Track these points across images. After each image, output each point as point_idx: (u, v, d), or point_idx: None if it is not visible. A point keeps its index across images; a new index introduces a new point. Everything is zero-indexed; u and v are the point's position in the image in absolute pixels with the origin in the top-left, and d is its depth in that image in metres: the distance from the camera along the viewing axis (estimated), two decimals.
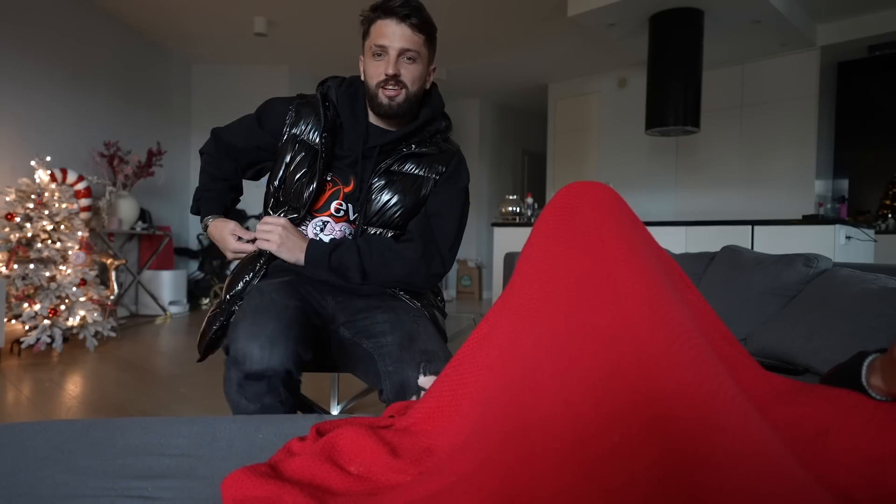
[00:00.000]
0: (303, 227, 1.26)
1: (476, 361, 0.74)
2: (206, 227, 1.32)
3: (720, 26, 4.30)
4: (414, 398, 1.05)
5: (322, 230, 1.26)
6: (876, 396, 0.68)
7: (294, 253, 1.19)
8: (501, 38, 5.23)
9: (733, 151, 5.27)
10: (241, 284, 1.23)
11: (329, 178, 1.26)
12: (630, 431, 0.53)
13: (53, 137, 4.26)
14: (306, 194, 1.23)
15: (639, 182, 5.83)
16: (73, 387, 2.72)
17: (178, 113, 5.83)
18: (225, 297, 1.24)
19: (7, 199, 3.41)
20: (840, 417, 0.66)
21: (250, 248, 1.24)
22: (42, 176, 3.49)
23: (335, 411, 2.22)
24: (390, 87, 1.19)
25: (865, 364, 0.70)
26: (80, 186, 3.91)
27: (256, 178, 1.45)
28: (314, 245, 1.20)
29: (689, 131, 4.34)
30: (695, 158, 5.50)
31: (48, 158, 3.61)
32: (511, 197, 5.28)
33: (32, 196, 3.43)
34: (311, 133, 1.26)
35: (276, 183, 1.27)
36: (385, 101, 1.20)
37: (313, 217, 1.26)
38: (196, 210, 1.37)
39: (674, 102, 4.17)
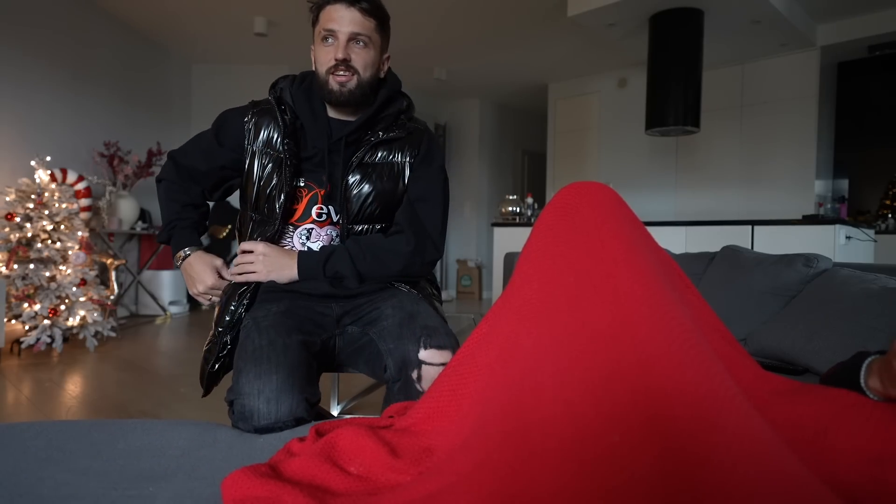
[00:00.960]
0: (287, 240, 1.23)
1: (476, 361, 0.74)
2: (183, 258, 1.26)
3: (720, 26, 4.30)
4: (415, 372, 1.05)
5: (308, 238, 1.23)
6: (873, 398, 0.69)
7: (284, 273, 1.17)
8: (501, 38, 5.23)
9: (733, 151, 5.27)
10: (227, 316, 1.18)
11: (303, 184, 1.21)
12: (630, 431, 0.53)
13: (53, 137, 4.26)
14: (278, 205, 1.18)
15: (639, 182, 5.83)
16: (73, 387, 2.72)
17: (178, 113, 5.83)
18: (216, 329, 1.19)
19: (7, 199, 3.41)
20: (839, 416, 0.66)
21: (227, 279, 1.24)
22: (42, 176, 3.48)
23: (335, 411, 2.22)
24: (341, 72, 1.15)
25: (864, 365, 0.70)
26: (80, 186, 3.91)
27: (224, 197, 1.38)
28: (304, 258, 1.18)
29: (689, 131, 4.34)
30: (695, 158, 5.50)
31: (48, 158, 3.61)
32: (511, 197, 5.28)
33: (32, 196, 3.43)
34: (274, 141, 1.21)
35: (252, 202, 1.23)
36: (336, 87, 1.16)
37: (297, 227, 1.22)
38: (166, 239, 1.29)
39: (674, 102, 4.17)
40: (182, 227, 1.28)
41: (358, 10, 1.14)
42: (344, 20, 1.13)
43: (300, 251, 1.19)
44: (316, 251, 1.20)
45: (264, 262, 1.16)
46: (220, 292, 1.24)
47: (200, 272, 1.23)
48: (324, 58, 1.16)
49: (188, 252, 1.26)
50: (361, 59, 1.16)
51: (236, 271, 1.19)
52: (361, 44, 1.16)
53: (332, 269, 1.17)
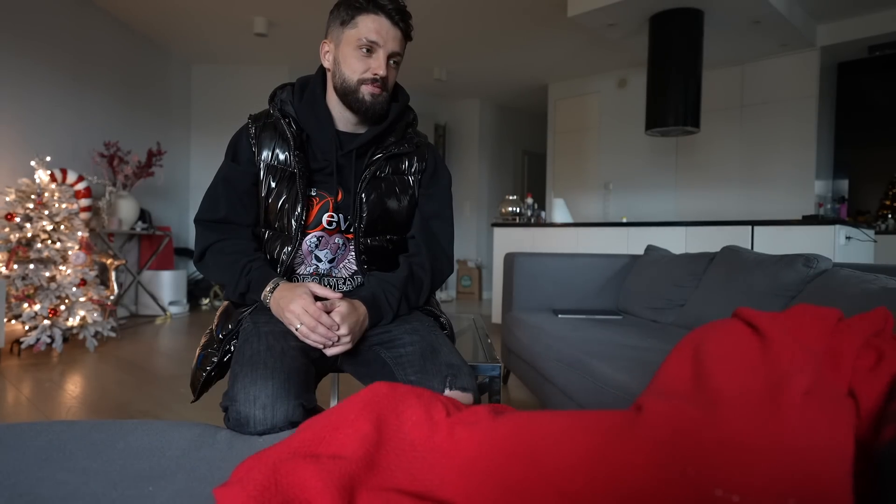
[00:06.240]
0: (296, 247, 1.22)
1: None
2: (272, 290, 1.12)
3: (720, 26, 4.30)
4: None
5: (317, 246, 1.22)
6: None
7: (363, 332, 1.15)
8: (501, 38, 5.24)
9: (733, 151, 5.28)
10: (232, 325, 1.16)
11: (314, 193, 1.20)
12: None
13: (53, 137, 4.26)
14: (294, 218, 1.17)
15: (639, 182, 5.83)
16: (73, 387, 2.72)
17: (178, 113, 5.83)
18: (218, 335, 1.17)
19: (7, 199, 3.41)
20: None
21: (331, 295, 1.10)
22: (42, 176, 3.49)
23: None
24: (377, 87, 1.14)
25: None
26: (80, 186, 3.91)
27: None
28: (374, 317, 1.16)
29: (689, 131, 4.34)
30: (695, 158, 5.50)
31: (48, 158, 3.62)
32: (511, 197, 5.29)
33: (32, 196, 3.43)
34: (281, 155, 1.19)
35: (262, 218, 1.22)
36: (368, 98, 1.14)
37: (306, 234, 1.21)
38: (245, 288, 1.14)
39: (674, 102, 4.17)
40: (256, 269, 1.15)
41: (401, 31, 1.14)
42: (388, 37, 1.12)
43: (368, 311, 1.14)
44: (372, 304, 1.15)
45: (352, 338, 1.10)
46: (335, 323, 1.06)
47: (292, 304, 1.05)
48: (358, 66, 1.13)
49: (273, 286, 1.12)
50: (391, 77, 1.17)
51: (329, 353, 1.09)
52: (394, 62, 1.16)
53: (377, 318, 1.17)
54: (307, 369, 1.05)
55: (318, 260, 1.23)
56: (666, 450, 0.62)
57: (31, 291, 3.33)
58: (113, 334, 3.69)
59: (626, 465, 0.62)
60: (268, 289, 1.12)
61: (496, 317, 4.74)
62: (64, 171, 3.83)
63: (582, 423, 0.69)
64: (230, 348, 1.16)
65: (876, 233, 3.98)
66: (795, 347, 0.69)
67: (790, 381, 0.63)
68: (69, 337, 3.51)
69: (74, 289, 3.42)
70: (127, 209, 4.57)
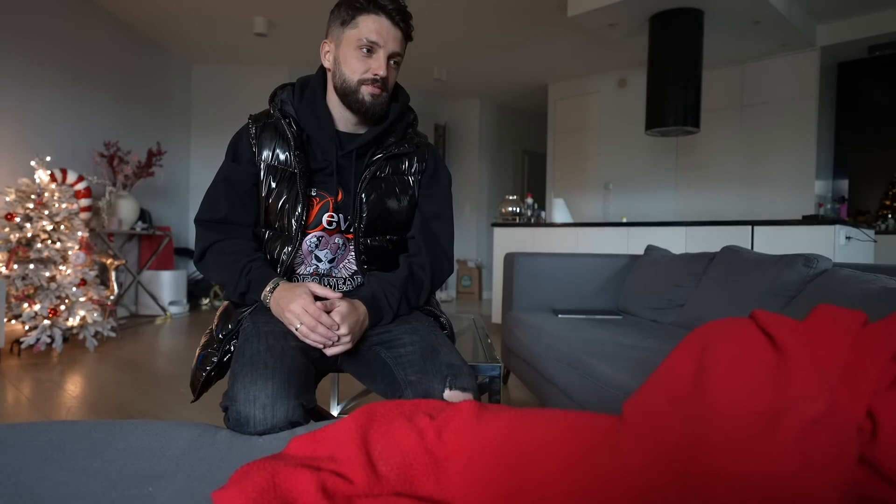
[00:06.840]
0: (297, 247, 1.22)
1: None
2: (272, 290, 1.12)
3: (720, 26, 4.30)
4: None
5: (317, 246, 1.22)
6: None
7: (363, 332, 1.15)
8: (501, 38, 5.24)
9: (733, 151, 5.28)
10: (231, 325, 1.17)
11: (314, 193, 1.20)
12: None
13: (53, 137, 4.26)
14: (294, 218, 1.18)
15: (639, 182, 5.83)
16: (73, 387, 2.72)
17: (178, 113, 5.83)
18: (218, 335, 1.17)
19: (7, 199, 3.41)
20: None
21: (331, 295, 1.10)
22: (42, 176, 3.49)
23: (335, 411, 2.22)
24: (377, 87, 1.14)
25: None
26: (80, 186, 3.91)
27: None
28: (374, 317, 1.16)
29: (689, 131, 4.34)
30: (695, 158, 5.50)
31: (48, 158, 3.62)
32: (511, 197, 5.29)
33: (32, 196, 3.43)
34: (281, 156, 1.19)
35: (262, 218, 1.22)
36: (368, 98, 1.14)
37: (305, 234, 1.21)
38: (245, 288, 1.14)
39: (674, 102, 4.17)
40: (256, 269, 1.15)
41: (401, 31, 1.14)
42: (389, 37, 1.12)
43: (368, 311, 1.14)
44: (372, 304, 1.15)
45: (352, 338, 1.10)
46: (335, 323, 1.06)
47: (292, 304, 1.05)
48: (358, 66, 1.13)
49: (273, 286, 1.12)
50: (392, 77, 1.17)
51: (329, 353, 1.09)
52: (394, 63, 1.16)
53: (377, 318, 1.17)
54: (307, 369, 1.05)
55: (318, 260, 1.23)
56: (644, 475, 0.59)
57: (31, 291, 3.33)
58: (113, 334, 3.69)
59: (604, 484, 0.61)
60: (268, 289, 1.12)
61: (496, 317, 4.74)
62: (64, 171, 3.83)
63: (564, 430, 0.68)
64: (230, 348, 1.16)
65: (876, 233, 3.97)
66: (811, 369, 0.62)
67: (796, 411, 0.58)
68: (69, 337, 3.51)
69: (74, 289, 3.42)
70: (127, 209, 4.57)
